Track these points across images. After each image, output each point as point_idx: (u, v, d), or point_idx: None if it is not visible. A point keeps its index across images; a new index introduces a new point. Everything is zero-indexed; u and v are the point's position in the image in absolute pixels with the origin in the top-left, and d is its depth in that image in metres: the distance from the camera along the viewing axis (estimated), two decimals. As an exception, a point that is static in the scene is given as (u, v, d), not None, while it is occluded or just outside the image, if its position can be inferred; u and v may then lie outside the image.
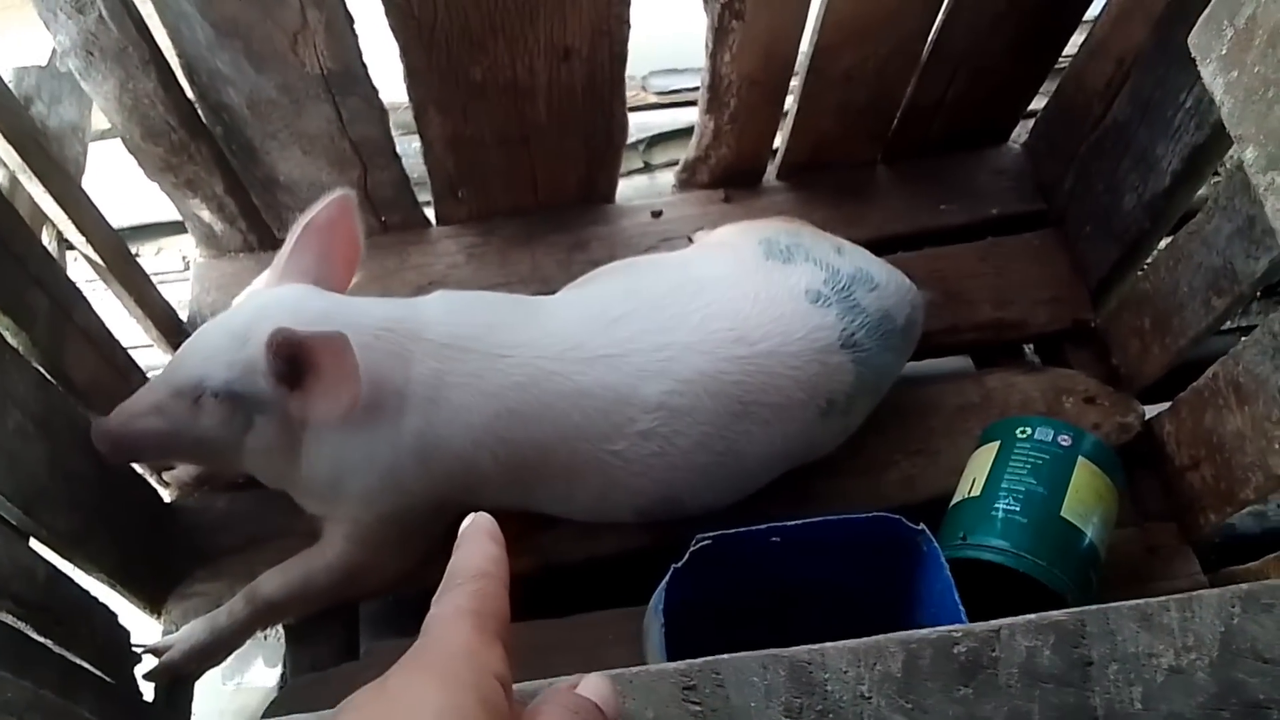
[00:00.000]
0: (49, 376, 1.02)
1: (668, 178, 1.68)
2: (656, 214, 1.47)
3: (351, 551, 1.10)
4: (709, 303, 1.08)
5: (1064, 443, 1.10)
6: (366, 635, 1.24)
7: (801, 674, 0.36)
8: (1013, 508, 1.07)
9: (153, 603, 1.15)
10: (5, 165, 1.04)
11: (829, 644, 0.38)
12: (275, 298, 1.03)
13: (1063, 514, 1.06)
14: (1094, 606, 0.38)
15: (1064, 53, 1.42)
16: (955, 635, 0.37)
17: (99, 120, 1.28)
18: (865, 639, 0.37)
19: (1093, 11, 1.35)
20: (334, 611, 1.19)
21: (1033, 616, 0.38)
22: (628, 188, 1.54)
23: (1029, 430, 1.13)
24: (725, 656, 0.38)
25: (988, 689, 0.36)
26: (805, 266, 1.13)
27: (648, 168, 1.76)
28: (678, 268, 1.18)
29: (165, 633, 1.15)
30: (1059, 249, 1.43)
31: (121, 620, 1.11)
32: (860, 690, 0.36)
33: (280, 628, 1.21)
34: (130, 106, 1.16)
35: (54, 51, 1.17)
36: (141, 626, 1.16)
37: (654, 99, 1.80)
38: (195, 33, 1.12)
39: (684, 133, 1.74)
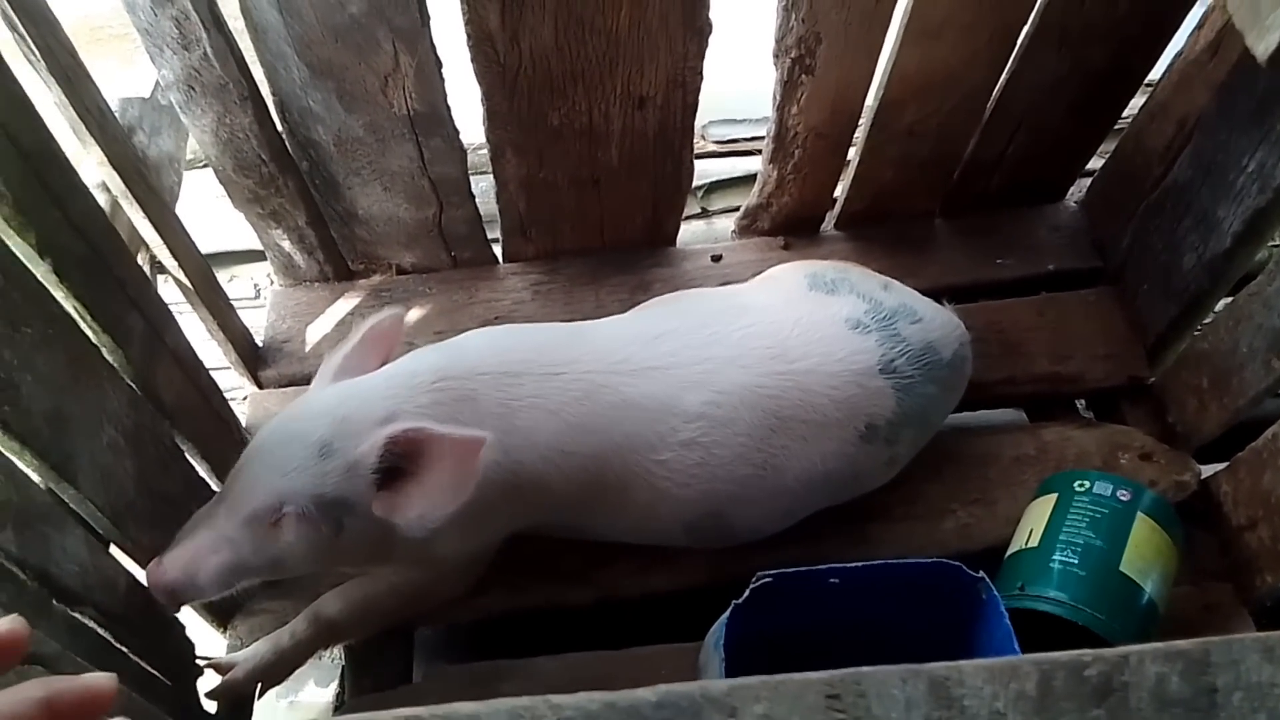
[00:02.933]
0: (140, 395, 1.06)
1: (725, 223, 1.72)
2: (717, 258, 1.51)
3: (416, 576, 1.13)
4: (750, 324, 1.12)
5: (1123, 497, 1.11)
6: (420, 660, 1.26)
7: (940, 688, 0.38)
8: (1070, 560, 1.08)
9: (221, 619, 1.19)
10: (109, 190, 1.09)
11: (964, 661, 0.40)
12: (344, 395, 0.99)
13: (1121, 568, 1.06)
14: (1218, 638, 0.40)
15: (1123, 114, 1.45)
16: (1086, 659, 0.39)
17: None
18: (1000, 658, 0.40)
19: (1154, 74, 1.38)
20: (391, 636, 1.21)
21: (1159, 645, 0.40)
22: (685, 232, 1.58)
23: (1087, 484, 1.14)
24: (866, 669, 0.40)
25: (1119, 711, 0.38)
26: (848, 298, 1.16)
27: (705, 213, 1.80)
28: (723, 295, 1.23)
29: (230, 649, 1.19)
30: (1115, 306, 1.45)
31: (188, 633, 1.15)
32: (996, 707, 0.38)
33: (340, 650, 1.24)
34: (225, 140, 1.21)
35: (157, 84, 1.24)
36: (206, 641, 1.19)
37: (714, 147, 1.85)
38: (291, 72, 1.17)
39: (742, 180, 1.79)
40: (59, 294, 0.93)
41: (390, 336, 1.09)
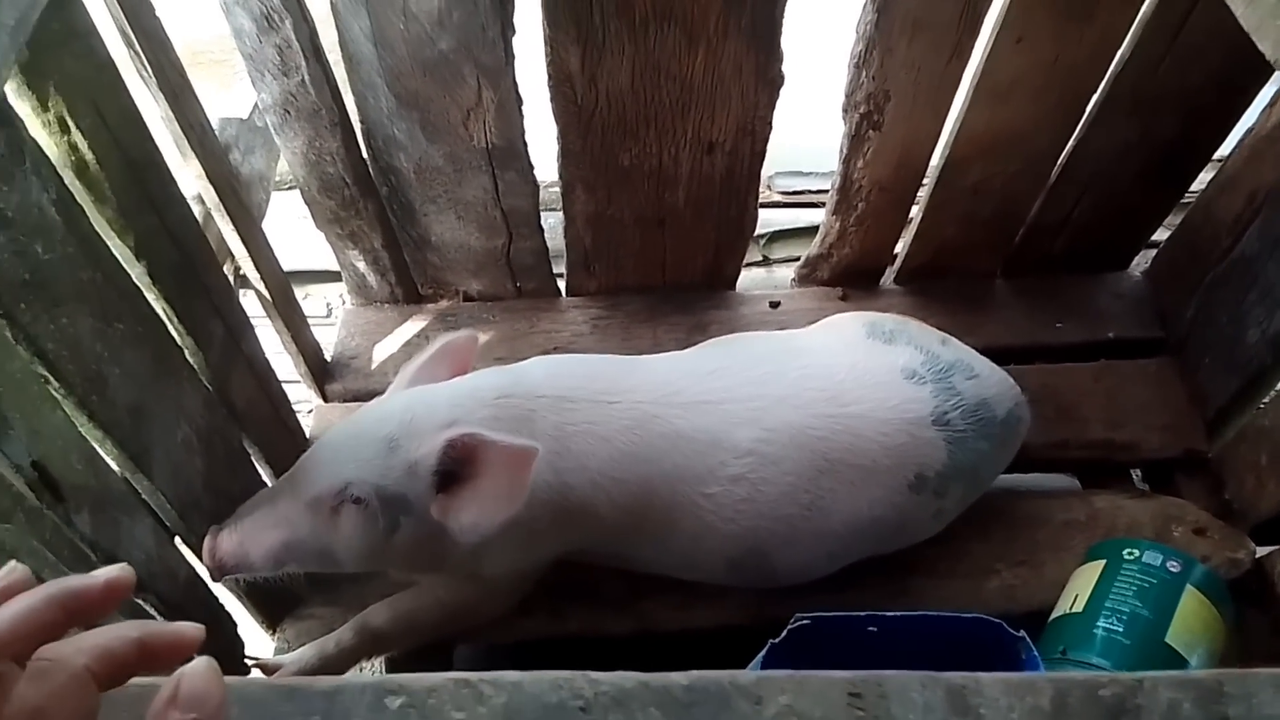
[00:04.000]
0: (215, 397, 1.11)
1: (785, 272, 1.75)
2: (775, 304, 1.53)
3: (462, 593, 1.15)
4: (805, 365, 1.13)
5: (1173, 568, 1.10)
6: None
7: (958, 696, 0.40)
8: (1115, 627, 1.06)
9: (271, 620, 1.22)
10: (203, 203, 1.16)
11: (982, 673, 0.41)
12: (412, 399, 1.03)
13: (1167, 639, 1.05)
14: (1232, 670, 0.41)
15: (1191, 187, 1.45)
16: (1102, 680, 0.40)
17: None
18: (1016, 673, 0.41)
19: (1224, 149, 1.38)
20: (432, 651, 1.24)
21: (1175, 673, 0.41)
22: (746, 278, 1.61)
23: (1137, 552, 1.12)
24: (888, 672, 0.41)
25: None
26: (906, 349, 1.17)
27: (766, 261, 1.83)
28: (780, 337, 1.25)
29: (277, 650, 1.22)
30: (1175, 377, 1.43)
31: (239, 631, 1.18)
32: (1011, 718, 0.39)
33: (380, 661, 1.26)
34: (314, 161, 1.28)
35: (254, 106, 1.31)
36: (255, 641, 1.22)
37: (778, 197, 1.88)
38: (380, 102, 1.24)
39: (804, 231, 1.82)
40: (150, 295, 0.99)
41: (464, 353, 1.14)
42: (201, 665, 0.41)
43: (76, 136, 0.86)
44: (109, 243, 0.93)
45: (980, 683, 0.41)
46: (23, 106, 0.82)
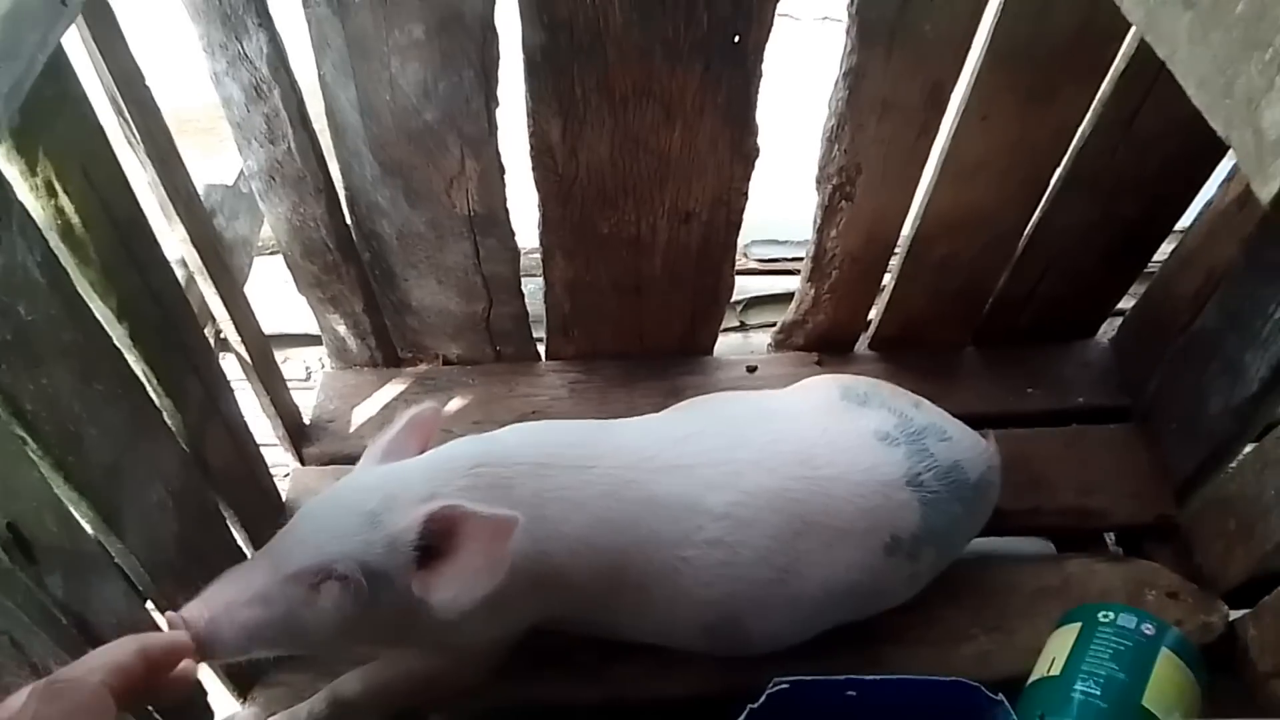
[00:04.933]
0: (191, 458, 1.11)
1: (761, 338, 1.77)
2: (751, 369, 1.55)
3: (436, 662, 1.13)
4: (777, 429, 1.14)
5: (1148, 632, 1.11)
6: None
7: None
8: (1092, 691, 1.06)
9: (241, 688, 1.20)
10: (186, 266, 1.17)
11: None
12: (389, 474, 1.02)
13: (1144, 703, 1.05)
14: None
15: (1153, 258, 1.49)
16: None
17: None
18: None
19: (1183, 221, 1.43)
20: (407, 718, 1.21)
21: None
22: (723, 344, 1.63)
23: (1112, 615, 1.13)
24: None
25: None
26: (879, 412, 1.18)
27: (743, 327, 1.86)
28: (753, 399, 1.26)
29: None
30: (1143, 444, 1.46)
31: (208, 699, 1.16)
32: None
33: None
34: (297, 227, 1.29)
35: (240, 173, 1.33)
36: (224, 709, 1.20)
37: (754, 265, 1.92)
38: (364, 169, 1.26)
39: (779, 298, 1.85)
40: (130, 356, 0.99)
41: (429, 426, 1.13)
42: None
43: (64, 199, 0.87)
44: (91, 304, 0.93)
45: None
46: (10, 170, 0.83)
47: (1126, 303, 1.58)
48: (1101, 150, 1.27)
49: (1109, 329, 1.62)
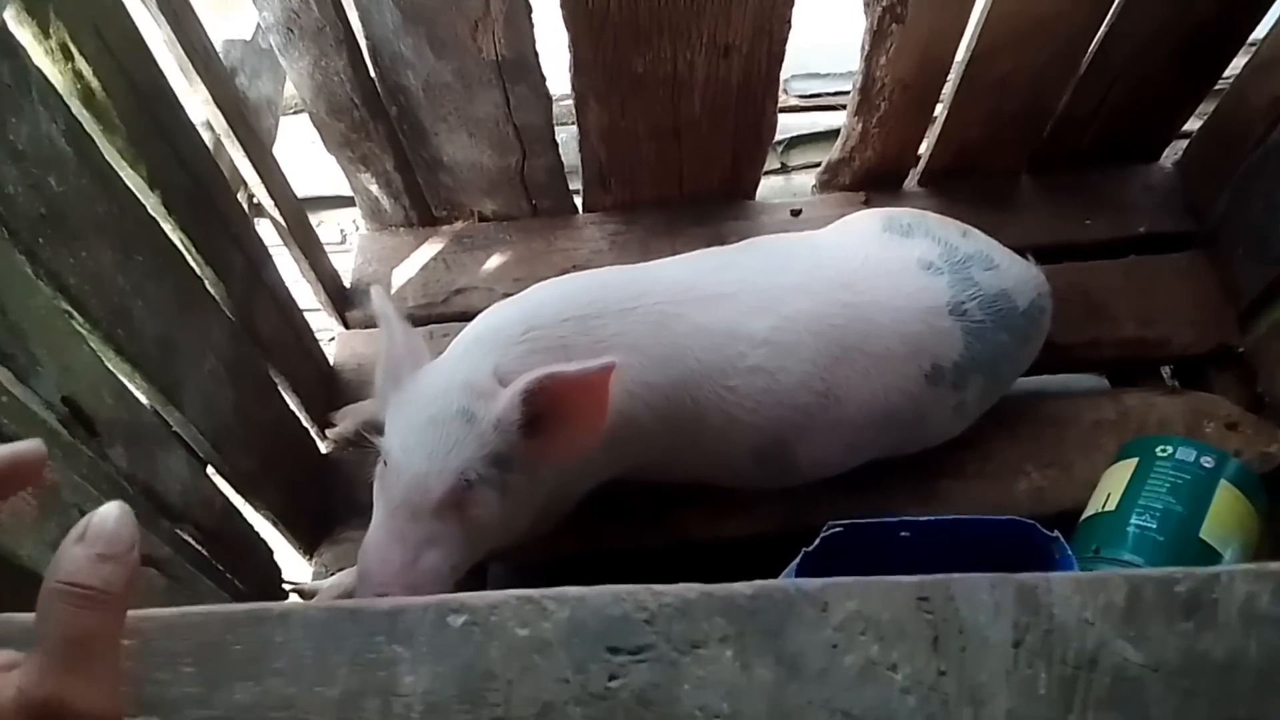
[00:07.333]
0: (240, 328, 1.10)
1: (804, 179, 1.71)
2: (796, 212, 1.50)
3: (503, 511, 1.15)
4: (819, 257, 1.13)
5: (1206, 464, 1.09)
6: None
7: (1029, 595, 0.40)
8: (1149, 524, 1.06)
9: (309, 546, 1.24)
10: (212, 130, 1.13)
11: (1053, 573, 0.41)
12: (447, 370, 1.00)
13: (1201, 535, 1.05)
14: (1308, 560, 0.40)
15: (1224, 74, 1.40)
16: (1177, 575, 0.40)
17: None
18: (1087, 572, 0.40)
19: (1258, 33, 1.33)
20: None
21: (1251, 565, 0.41)
22: (764, 187, 1.57)
23: (1170, 449, 1.12)
24: (956, 575, 0.41)
25: (1207, 624, 0.38)
26: (923, 241, 1.16)
27: (785, 169, 1.79)
28: (794, 236, 1.24)
29: (315, 576, 1.24)
30: (1207, 270, 1.41)
31: (275, 557, 1.20)
32: (1084, 616, 0.39)
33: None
34: (320, 83, 1.24)
35: (257, 27, 1.27)
36: (292, 567, 1.24)
37: (795, 102, 1.83)
38: (384, 17, 1.20)
39: (822, 136, 1.77)
40: (167, 226, 0.98)
41: (415, 335, 1.07)
42: (112, 508, 0.40)
43: (80, 63, 0.84)
44: (122, 173, 0.91)
45: (1051, 581, 0.40)
46: (23, 34, 0.80)
47: (1193, 125, 1.49)
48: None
49: (1172, 154, 1.54)
